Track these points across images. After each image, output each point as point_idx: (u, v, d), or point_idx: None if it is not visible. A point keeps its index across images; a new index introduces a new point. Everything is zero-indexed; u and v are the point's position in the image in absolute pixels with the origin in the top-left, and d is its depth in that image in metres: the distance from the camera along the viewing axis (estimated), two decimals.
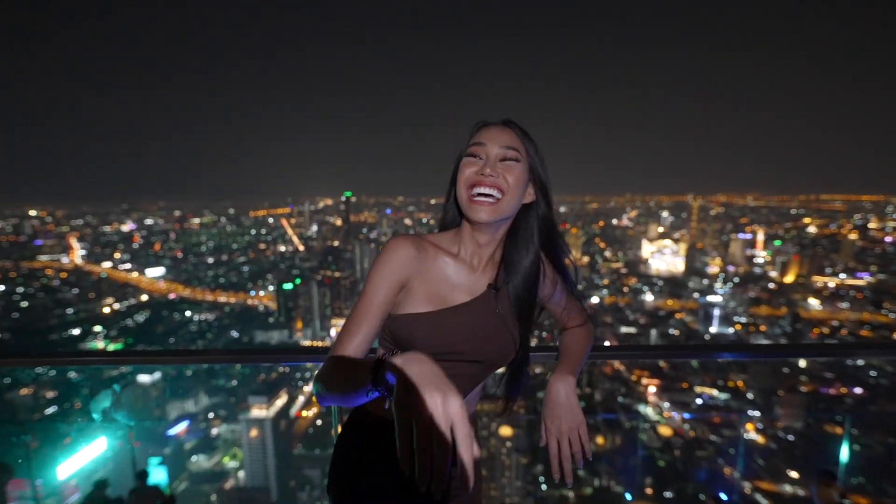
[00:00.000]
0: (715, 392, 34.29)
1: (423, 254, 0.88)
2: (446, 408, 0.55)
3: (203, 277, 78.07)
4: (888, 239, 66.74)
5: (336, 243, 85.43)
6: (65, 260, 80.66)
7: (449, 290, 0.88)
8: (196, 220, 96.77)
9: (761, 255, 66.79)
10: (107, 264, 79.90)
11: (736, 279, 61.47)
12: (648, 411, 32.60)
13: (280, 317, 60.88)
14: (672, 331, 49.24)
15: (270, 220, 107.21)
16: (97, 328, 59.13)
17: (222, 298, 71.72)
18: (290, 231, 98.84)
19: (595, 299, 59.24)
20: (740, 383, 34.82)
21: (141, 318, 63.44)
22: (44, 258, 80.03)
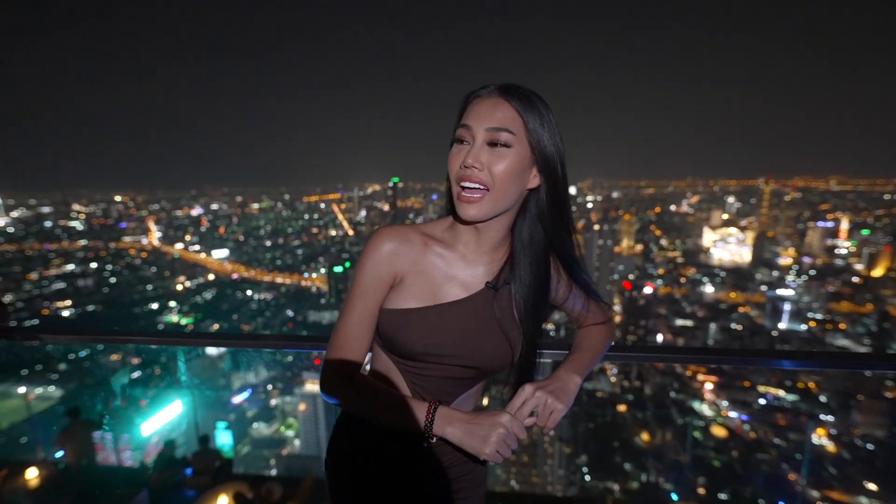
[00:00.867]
0: (781, 393, 31.82)
1: (408, 246, 0.79)
2: (500, 446, 0.71)
3: (262, 259, 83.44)
4: None
5: None
6: (144, 241, 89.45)
7: (441, 284, 0.79)
8: (255, 206, 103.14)
9: (844, 246, 60.09)
10: (179, 246, 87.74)
11: (812, 272, 55.94)
12: (704, 409, 30.93)
13: (331, 298, 63.88)
14: (734, 325, 46.00)
15: (322, 205, 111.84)
16: (172, 303, 65.36)
17: (279, 279, 76.43)
18: (340, 216, 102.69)
19: (648, 290, 56.48)
20: (812, 385, 32.03)
21: (208, 295, 69.17)
22: (127, 239, 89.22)
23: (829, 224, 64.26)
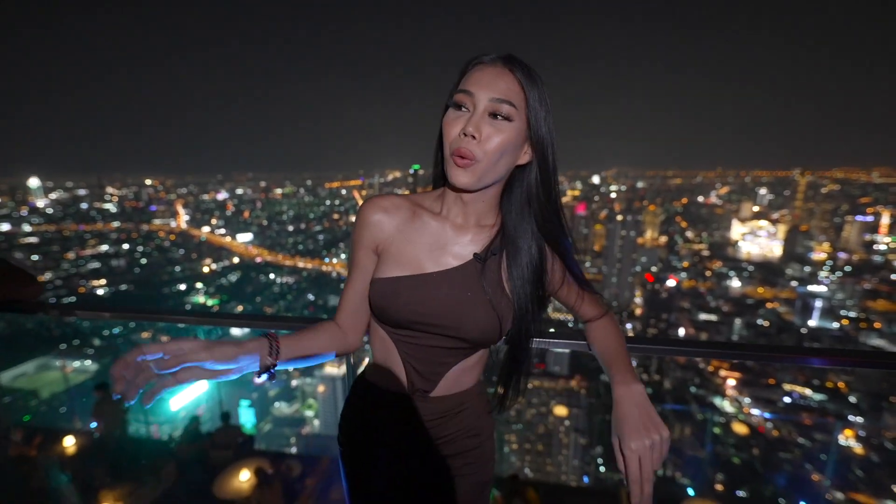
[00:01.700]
0: (808, 392, 30.85)
1: (396, 214, 0.80)
2: (654, 454, 0.67)
3: (284, 244, 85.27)
4: None
5: None
6: (173, 224, 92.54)
7: (429, 253, 0.78)
8: (279, 191, 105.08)
9: (884, 242, 57.10)
10: (206, 229, 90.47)
11: (847, 268, 53.47)
12: (725, 405, 30.32)
13: None
14: (761, 321, 44.59)
15: (343, 191, 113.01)
16: (199, 285, 67.71)
17: (301, 264, 78.05)
18: (361, 202, 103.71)
19: (672, 282, 55.16)
20: (841, 384, 30.93)
21: (233, 277, 71.31)
22: (157, 222, 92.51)
23: (869, 218, 61.11)
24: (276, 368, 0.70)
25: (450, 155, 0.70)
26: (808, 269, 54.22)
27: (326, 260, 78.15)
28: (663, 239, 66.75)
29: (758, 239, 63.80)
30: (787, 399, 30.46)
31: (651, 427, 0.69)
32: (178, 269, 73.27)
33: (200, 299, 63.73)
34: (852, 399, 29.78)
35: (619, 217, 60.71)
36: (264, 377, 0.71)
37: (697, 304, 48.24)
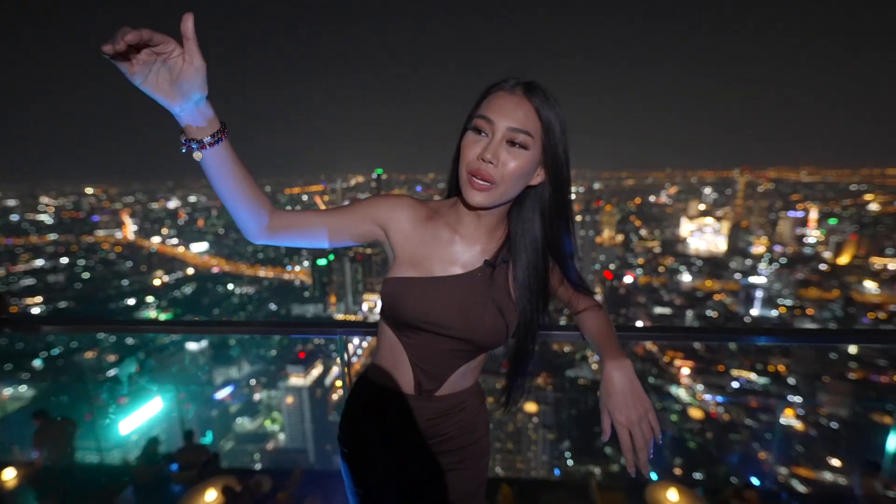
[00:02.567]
0: (753, 376, 33.10)
1: (419, 215, 0.84)
2: (643, 425, 0.76)
3: (243, 252, 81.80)
4: None
5: None
6: (118, 235, 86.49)
7: (441, 258, 0.83)
8: None
9: (813, 235, 62.48)
10: (156, 239, 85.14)
11: (783, 260, 58.03)
12: (681, 393, 31.97)
13: (315, 291, 63.23)
14: (710, 312, 47.46)
15: (304, 197, 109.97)
16: (149, 299, 63.61)
17: (261, 273, 75.13)
18: (323, 208, 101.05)
19: (629, 279, 57.67)
20: (782, 368, 33.41)
21: (188, 290, 67.56)
22: (101, 233, 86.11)
23: (799, 214, 66.64)
24: (208, 146, 0.66)
25: (467, 175, 0.74)
26: (749, 262, 58.30)
27: (289, 268, 75.66)
28: (620, 237, 69.70)
29: (704, 235, 67.99)
30: (735, 384, 32.56)
31: (637, 400, 0.78)
32: (125, 282, 68.44)
33: (152, 314, 59.91)
34: (791, 381, 32.24)
35: (579, 217, 62.95)
36: (186, 146, 0.66)
37: (653, 299, 50.70)
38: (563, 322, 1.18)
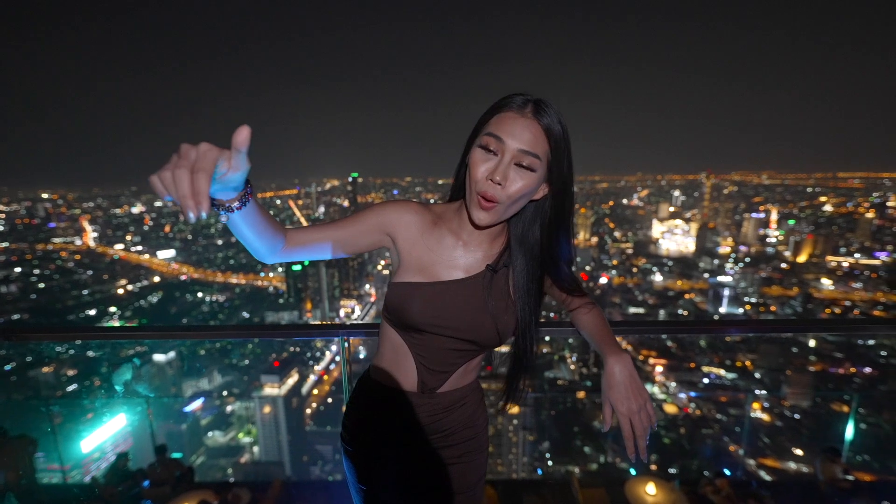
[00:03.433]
0: (722, 372, 34.41)
1: (424, 220, 0.88)
2: (642, 415, 0.81)
3: (213, 259, 79.23)
4: None
5: None
6: (78, 242, 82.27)
7: (444, 264, 0.87)
8: None
9: (774, 235, 65.74)
10: (119, 246, 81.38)
11: (747, 259, 60.74)
12: (655, 390, 32.90)
13: (290, 297, 61.84)
14: (681, 311, 49.11)
15: (278, 201, 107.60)
16: (112, 309, 60.71)
17: (233, 280, 72.92)
18: (297, 212, 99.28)
19: (604, 280, 59.06)
20: (748, 363, 34.87)
21: (154, 298, 64.86)
22: (58, 240, 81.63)
23: (762, 215, 70.00)
24: (236, 209, 0.65)
25: (474, 193, 0.77)
26: (716, 261, 60.72)
27: (262, 274, 73.74)
28: (594, 239, 71.35)
29: (675, 236, 70.43)
30: (705, 380, 33.76)
31: (636, 392, 0.83)
32: (85, 292, 65.09)
33: (115, 324, 57.22)
34: (757, 375, 33.70)
35: None
36: (227, 207, 0.64)
37: (627, 299, 52.06)
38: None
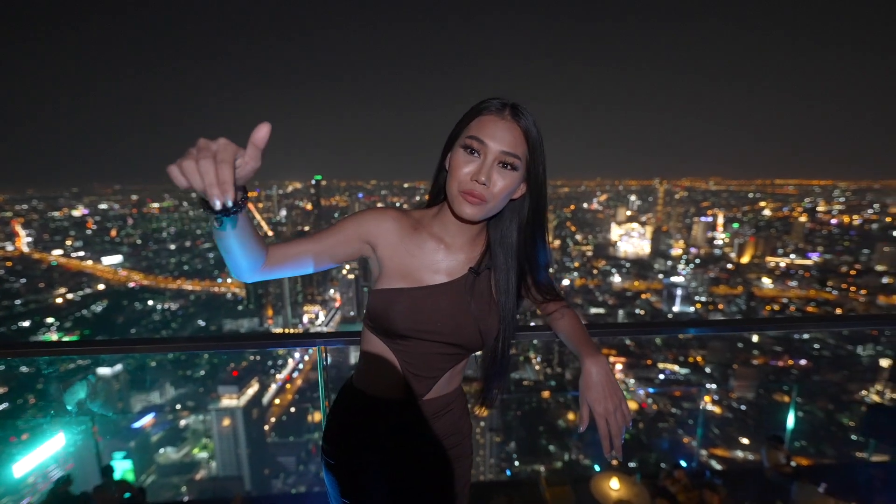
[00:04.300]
0: (676, 367, 36.21)
1: (403, 226, 0.87)
2: (618, 414, 0.82)
3: (165, 265, 74.81)
4: (833, 221, 71.44)
5: (307, 228, 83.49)
6: (9, 248, 75.28)
7: (426, 268, 0.87)
8: (155, 205, 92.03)
9: (721, 237, 70.16)
10: (57, 252, 75.12)
11: (697, 260, 64.44)
12: None
13: (249, 304, 59.37)
14: (638, 311, 51.30)
15: None
16: (49, 320, 55.90)
17: (187, 286, 69.11)
18: (257, 216, 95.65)
19: (566, 282, 60.78)
20: (699, 359, 36.89)
21: (98, 308, 60.36)
22: None
23: (709, 219, 74.52)
24: (232, 213, 0.61)
25: (459, 192, 0.79)
26: (669, 263, 63.99)
27: (219, 280, 70.35)
28: (557, 242, 73.37)
29: (632, 239, 73.65)
30: (661, 376, 35.42)
31: (612, 392, 0.84)
32: (18, 302, 59.57)
33: (53, 336, 52.71)
34: (707, 370, 35.73)
35: None
36: (220, 206, 0.55)
37: (588, 300, 53.82)
38: (532, 323, 1.23)
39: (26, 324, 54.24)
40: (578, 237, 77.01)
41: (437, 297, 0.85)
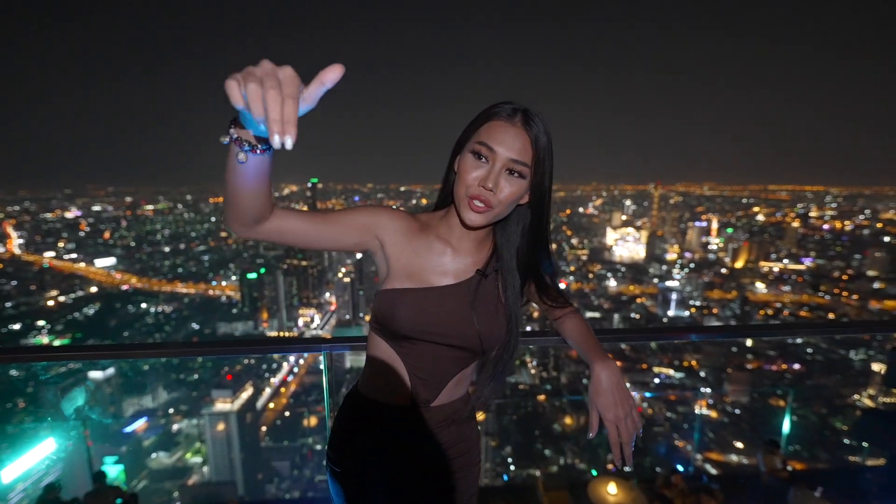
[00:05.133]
0: (671, 372, 36.33)
1: (411, 227, 0.87)
2: (629, 421, 0.81)
3: (159, 268, 74.27)
4: (826, 226, 72.20)
5: None
6: (0, 249, 74.48)
7: (433, 270, 0.87)
8: (150, 207, 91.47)
9: (715, 242, 70.67)
10: (49, 254, 74.39)
11: (692, 265, 64.84)
12: None
13: (244, 307, 58.97)
14: (633, 315, 51.49)
15: None
16: (40, 322, 55.25)
17: (181, 289, 68.59)
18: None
19: (562, 286, 60.55)
20: (694, 363, 37.06)
21: (90, 311, 59.74)
22: None
23: (704, 224, 75.09)
24: (259, 152, 0.60)
25: (466, 197, 0.79)
26: (664, 267, 64.36)
27: (214, 283, 69.90)
28: (553, 247, 73.16)
29: (627, 243, 74.02)
30: (656, 380, 35.52)
31: (623, 399, 0.83)
32: (9, 304, 58.87)
33: (44, 339, 52.05)
34: (702, 374, 35.88)
35: None
36: (236, 144, 0.59)
37: (584, 304, 53.96)
38: (528, 328, 1.23)
39: (17, 326, 53.58)
40: (574, 241, 77.31)
41: (444, 299, 0.85)
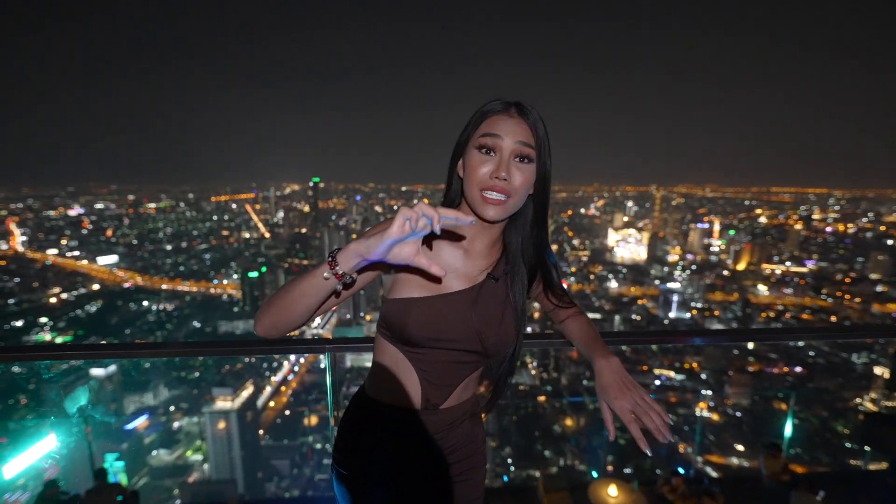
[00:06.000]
0: (672, 374, 36.25)
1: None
2: (646, 407, 0.80)
3: (161, 266, 74.48)
4: (828, 229, 71.93)
5: (304, 230, 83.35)
6: (3, 247, 74.76)
7: (445, 275, 0.85)
8: (152, 205, 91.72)
9: (717, 244, 70.48)
10: (52, 251, 74.68)
11: (693, 267, 64.67)
12: None
13: (245, 306, 59.07)
14: (634, 316, 51.39)
15: (234, 205, 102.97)
16: (43, 319, 55.45)
17: (183, 287, 68.76)
18: (254, 217, 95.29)
19: (563, 287, 60.79)
20: (695, 365, 36.96)
21: (93, 308, 59.94)
22: None
23: (706, 226, 74.89)
24: (347, 280, 0.73)
25: (479, 192, 0.79)
26: (666, 269, 64.23)
27: (215, 281, 70.06)
28: (555, 247, 73.07)
29: (628, 245, 73.88)
30: (657, 382, 35.43)
31: (630, 387, 0.83)
32: (11, 301, 59.13)
33: (46, 336, 52.25)
34: (703, 376, 35.78)
35: None
36: (342, 276, 0.71)
37: (585, 305, 53.87)
38: (528, 329, 1.22)
39: (19, 323, 53.78)
40: (576, 242, 77.20)
41: (455, 305, 0.84)
